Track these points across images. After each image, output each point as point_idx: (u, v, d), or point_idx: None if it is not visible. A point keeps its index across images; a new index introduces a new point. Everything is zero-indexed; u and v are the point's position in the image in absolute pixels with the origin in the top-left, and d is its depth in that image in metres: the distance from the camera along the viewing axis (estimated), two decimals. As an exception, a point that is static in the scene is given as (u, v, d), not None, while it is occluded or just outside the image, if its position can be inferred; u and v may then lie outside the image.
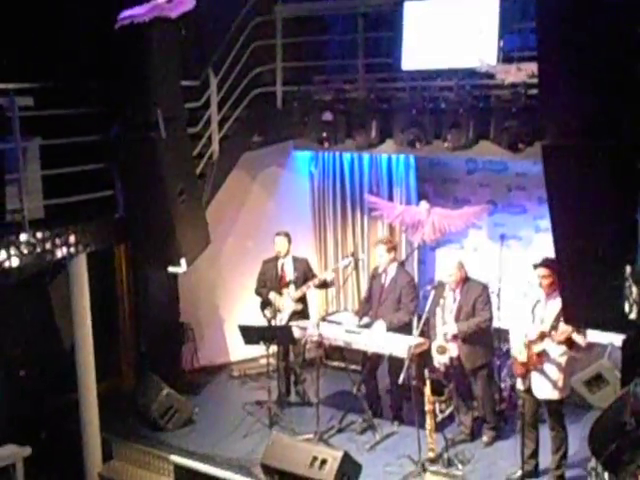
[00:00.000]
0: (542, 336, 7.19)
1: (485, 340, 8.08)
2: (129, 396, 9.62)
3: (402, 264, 9.64)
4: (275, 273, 9.34)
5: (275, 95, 9.92)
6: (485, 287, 8.18)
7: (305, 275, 9.36)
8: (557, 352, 7.21)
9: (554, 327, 7.14)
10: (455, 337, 7.99)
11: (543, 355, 7.22)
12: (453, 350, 8.04)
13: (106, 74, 7.61)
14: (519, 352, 7.36)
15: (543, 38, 5.55)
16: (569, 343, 7.11)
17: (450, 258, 8.65)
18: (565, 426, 7.52)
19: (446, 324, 8.06)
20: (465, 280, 8.12)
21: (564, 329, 7.01)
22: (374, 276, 9.01)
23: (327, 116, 9.10)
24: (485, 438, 8.34)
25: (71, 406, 8.80)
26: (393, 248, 8.92)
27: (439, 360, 8.04)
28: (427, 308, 8.05)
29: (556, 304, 7.07)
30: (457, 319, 8.04)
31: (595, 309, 5.91)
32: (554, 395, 7.34)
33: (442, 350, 8.01)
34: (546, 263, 7.21)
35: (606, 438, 6.08)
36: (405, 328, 8.55)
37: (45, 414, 9.21)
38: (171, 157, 7.65)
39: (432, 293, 8.15)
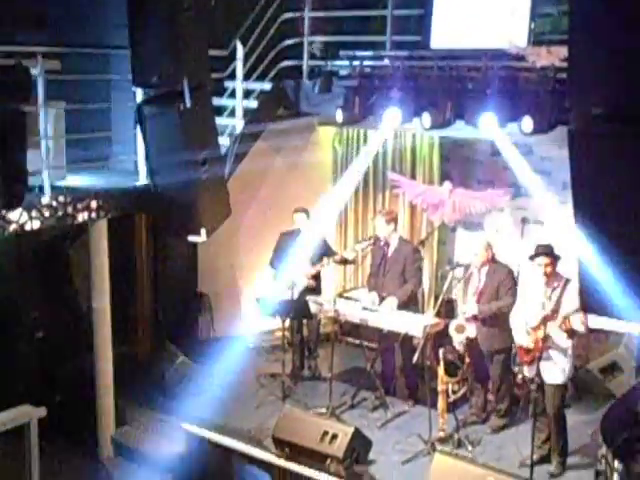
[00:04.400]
0: (545, 321, 7.18)
1: (504, 324, 7.96)
2: (144, 363, 9.69)
3: (422, 243, 9.62)
4: (291, 247, 9.33)
5: (302, 69, 9.88)
6: (510, 271, 8.14)
7: (322, 252, 9.35)
8: (562, 336, 7.20)
9: (555, 311, 7.16)
10: (475, 317, 7.98)
11: (547, 340, 7.21)
12: (471, 330, 8.03)
13: (133, 41, 7.60)
14: (522, 339, 7.38)
15: (575, 21, 5.48)
16: (567, 329, 7.10)
17: (478, 238, 8.59)
18: (564, 411, 7.52)
19: (467, 303, 8.03)
20: (492, 261, 8.09)
21: (562, 315, 7.05)
22: (375, 248, 9.00)
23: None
24: (491, 424, 8.31)
25: (86, 370, 8.88)
26: (392, 220, 8.89)
27: (456, 339, 8.03)
28: (445, 288, 8.04)
29: (557, 290, 7.19)
30: (479, 300, 8.02)
31: (613, 297, 5.87)
32: (559, 380, 7.34)
33: (460, 329, 8.01)
34: (545, 251, 7.25)
35: (619, 426, 6.08)
36: (412, 299, 8.64)
37: (61, 377, 9.32)
38: (195, 127, 7.64)
39: (450, 274, 8.14)
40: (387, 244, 8.84)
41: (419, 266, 8.87)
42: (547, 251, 7.27)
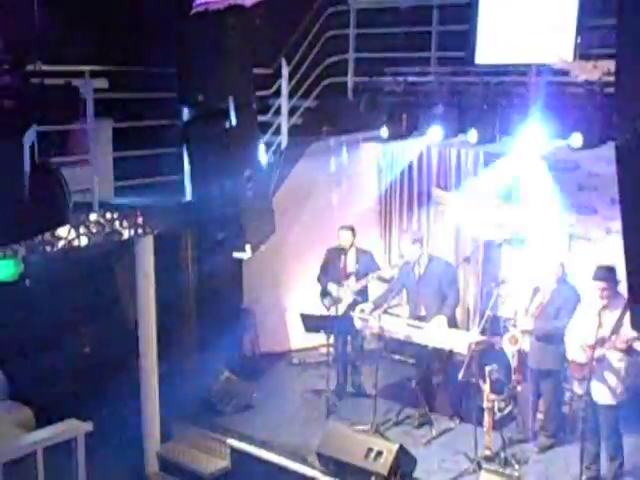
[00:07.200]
0: (602, 341, 7.04)
1: (558, 346, 7.79)
2: (190, 378, 9.73)
3: (467, 260, 9.57)
4: (337, 263, 9.34)
5: (346, 86, 9.90)
6: (577, 294, 7.94)
7: (368, 268, 9.34)
8: (616, 358, 7.07)
9: (614, 332, 7.00)
10: (530, 332, 7.91)
11: (603, 360, 7.07)
12: (525, 344, 7.98)
13: (180, 59, 7.69)
14: (576, 354, 7.25)
15: (623, 35, 5.42)
16: (627, 349, 6.96)
17: (551, 256, 8.43)
18: (620, 433, 7.36)
19: (525, 317, 7.98)
20: (560, 281, 7.99)
21: (626, 336, 6.88)
22: (404, 269, 9.00)
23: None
24: (539, 443, 8.20)
25: (132, 385, 8.95)
26: (417, 240, 8.95)
27: (509, 350, 7.99)
28: (490, 305, 7.98)
29: (616, 310, 7.00)
30: (539, 316, 7.93)
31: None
32: (611, 400, 7.20)
33: (514, 341, 7.96)
34: (602, 277, 7.12)
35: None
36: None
37: (107, 392, 9.39)
38: (240, 144, 7.69)
39: (496, 291, 8.07)
40: (417, 264, 8.83)
41: (455, 279, 8.85)
42: (604, 276, 7.12)
